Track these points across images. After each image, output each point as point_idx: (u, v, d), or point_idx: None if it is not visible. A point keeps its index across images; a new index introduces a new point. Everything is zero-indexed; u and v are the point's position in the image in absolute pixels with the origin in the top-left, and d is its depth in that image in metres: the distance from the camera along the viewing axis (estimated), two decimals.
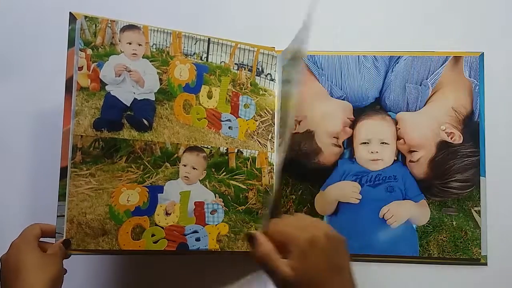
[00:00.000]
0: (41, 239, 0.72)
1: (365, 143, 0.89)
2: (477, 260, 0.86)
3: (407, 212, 0.87)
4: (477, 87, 0.89)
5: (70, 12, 0.75)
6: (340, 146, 0.89)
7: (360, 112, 0.90)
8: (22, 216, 0.88)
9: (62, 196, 0.72)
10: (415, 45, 0.91)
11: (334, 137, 0.89)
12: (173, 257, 0.85)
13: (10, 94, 0.92)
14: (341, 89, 0.91)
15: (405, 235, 0.87)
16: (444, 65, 0.89)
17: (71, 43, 0.75)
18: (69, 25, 0.74)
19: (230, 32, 0.83)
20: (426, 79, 0.89)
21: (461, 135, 0.87)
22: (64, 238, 0.72)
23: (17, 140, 0.91)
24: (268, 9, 0.94)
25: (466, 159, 0.87)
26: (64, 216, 0.72)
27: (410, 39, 0.92)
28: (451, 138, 0.87)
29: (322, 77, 0.91)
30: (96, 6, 0.79)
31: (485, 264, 0.86)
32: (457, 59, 0.89)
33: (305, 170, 0.89)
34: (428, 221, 0.87)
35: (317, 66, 0.91)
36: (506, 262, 0.86)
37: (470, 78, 0.89)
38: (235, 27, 0.90)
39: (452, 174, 0.87)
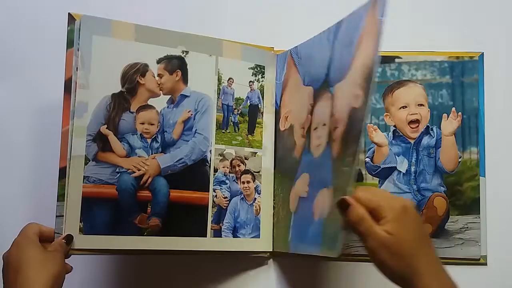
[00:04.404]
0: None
1: (315, 128, 0.78)
2: (477, 260, 0.86)
3: None
4: None
5: (69, 13, 0.75)
6: (305, 137, 0.81)
7: (316, 95, 0.79)
8: (22, 216, 0.87)
9: (61, 196, 0.73)
10: (415, 45, 0.91)
11: (302, 127, 0.82)
12: (173, 257, 0.85)
13: (10, 94, 0.92)
14: (309, 75, 0.82)
15: None
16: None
17: (70, 43, 0.75)
18: (68, 26, 0.75)
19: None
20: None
21: None
22: (66, 234, 0.72)
23: (16, 140, 0.91)
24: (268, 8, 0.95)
25: None
26: (63, 216, 0.72)
27: (410, 39, 0.92)
28: None
29: (299, 66, 0.85)
30: (95, 7, 0.79)
31: (485, 264, 0.86)
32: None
33: (286, 166, 0.85)
34: None
35: (297, 56, 0.85)
36: (506, 262, 0.86)
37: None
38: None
39: None
